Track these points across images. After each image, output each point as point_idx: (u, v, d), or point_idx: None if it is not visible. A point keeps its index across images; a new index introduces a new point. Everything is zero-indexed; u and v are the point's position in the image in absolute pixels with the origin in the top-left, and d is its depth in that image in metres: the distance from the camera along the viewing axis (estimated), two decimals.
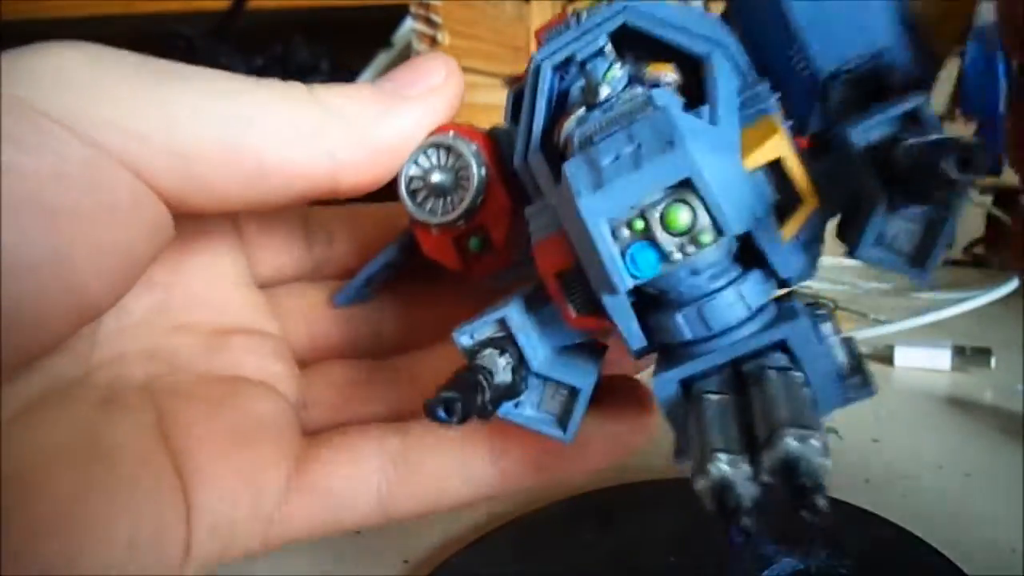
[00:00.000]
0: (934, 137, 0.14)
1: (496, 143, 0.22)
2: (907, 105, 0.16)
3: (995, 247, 0.64)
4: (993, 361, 0.41)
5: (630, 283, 0.16)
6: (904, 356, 0.42)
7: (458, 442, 0.23)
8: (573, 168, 0.16)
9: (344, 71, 0.71)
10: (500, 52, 0.63)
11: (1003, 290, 0.48)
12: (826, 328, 0.18)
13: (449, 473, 0.23)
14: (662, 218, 0.15)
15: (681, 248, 0.15)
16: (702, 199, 0.15)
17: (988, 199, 0.66)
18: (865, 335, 0.44)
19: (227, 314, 0.25)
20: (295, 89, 0.20)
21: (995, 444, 0.33)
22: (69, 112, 0.17)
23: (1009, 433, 0.34)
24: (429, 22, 0.57)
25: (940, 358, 0.42)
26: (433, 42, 0.57)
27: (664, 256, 0.15)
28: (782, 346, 0.16)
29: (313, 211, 0.27)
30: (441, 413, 0.16)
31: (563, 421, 0.19)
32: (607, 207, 0.15)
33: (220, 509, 0.21)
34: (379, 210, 0.24)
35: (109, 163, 0.18)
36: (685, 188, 0.15)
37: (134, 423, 0.20)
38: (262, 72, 0.78)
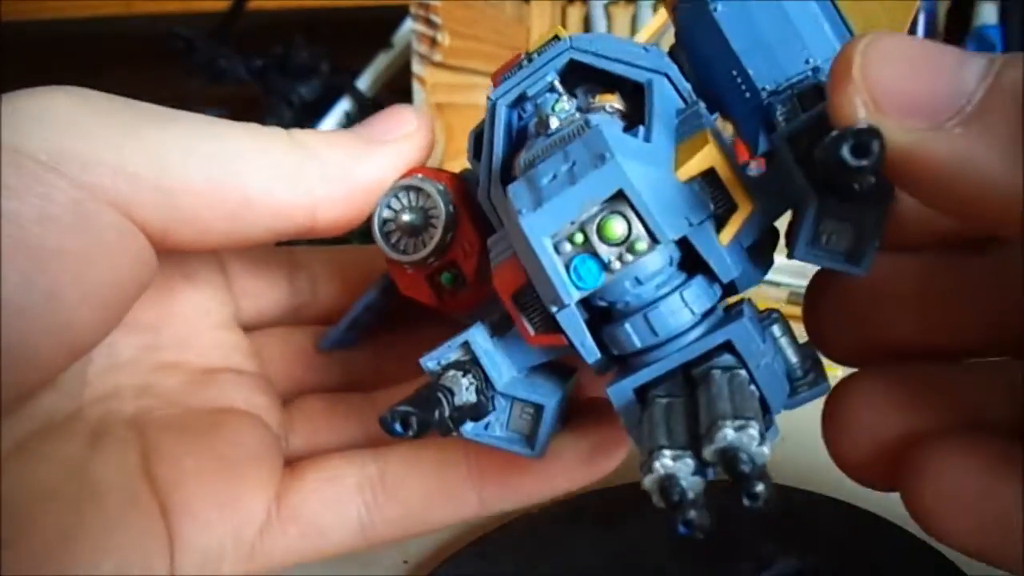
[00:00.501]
0: (836, 132, 0.14)
1: (464, 183, 0.23)
2: (821, 106, 0.17)
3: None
4: None
5: (576, 295, 0.17)
6: None
7: (437, 468, 0.24)
8: (515, 190, 0.17)
9: (344, 71, 0.71)
10: (500, 52, 0.63)
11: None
12: (775, 330, 0.19)
13: (429, 499, 0.24)
14: (599, 230, 0.16)
15: (620, 257, 0.16)
16: (635, 209, 0.16)
17: None
18: None
19: (212, 355, 0.25)
20: (276, 133, 0.21)
21: None
22: (58, 154, 0.18)
23: None
24: (429, 22, 0.57)
25: None
26: (433, 42, 0.57)
27: (604, 266, 0.16)
28: (730, 348, 0.17)
29: (296, 253, 0.27)
30: (397, 427, 0.17)
31: (531, 439, 0.20)
32: (547, 223, 0.16)
33: (204, 542, 0.21)
34: (360, 252, 0.25)
35: (97, 203, 0.18)
36: (619, 200, 0.16)
37: (121, 460, 0.21)
38: (262, 72, 0.78)
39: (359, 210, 0.22)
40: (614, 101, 0.20)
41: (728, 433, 0.14)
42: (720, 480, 0.15)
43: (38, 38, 0.85)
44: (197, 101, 0.75)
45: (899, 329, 0.20)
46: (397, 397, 0.26)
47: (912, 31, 0.70)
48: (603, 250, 0.16)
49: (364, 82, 0.69)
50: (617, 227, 0.16)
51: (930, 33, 0.70)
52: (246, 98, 0.73)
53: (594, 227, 0.16)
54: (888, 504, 0.27)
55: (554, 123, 0.19)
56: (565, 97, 0.19)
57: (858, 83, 0.15)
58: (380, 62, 0.69)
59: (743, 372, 0.17)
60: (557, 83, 0.20)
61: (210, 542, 0.22)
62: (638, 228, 0.16)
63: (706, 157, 0.17)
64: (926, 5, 0.70)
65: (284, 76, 0.71)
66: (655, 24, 0.23)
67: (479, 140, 0.21)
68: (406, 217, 0.22)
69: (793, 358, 0.19)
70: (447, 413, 0.18)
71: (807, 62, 0.19)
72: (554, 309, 0.18)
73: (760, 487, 0.13)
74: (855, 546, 0.25)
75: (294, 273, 0.27)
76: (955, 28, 0.68)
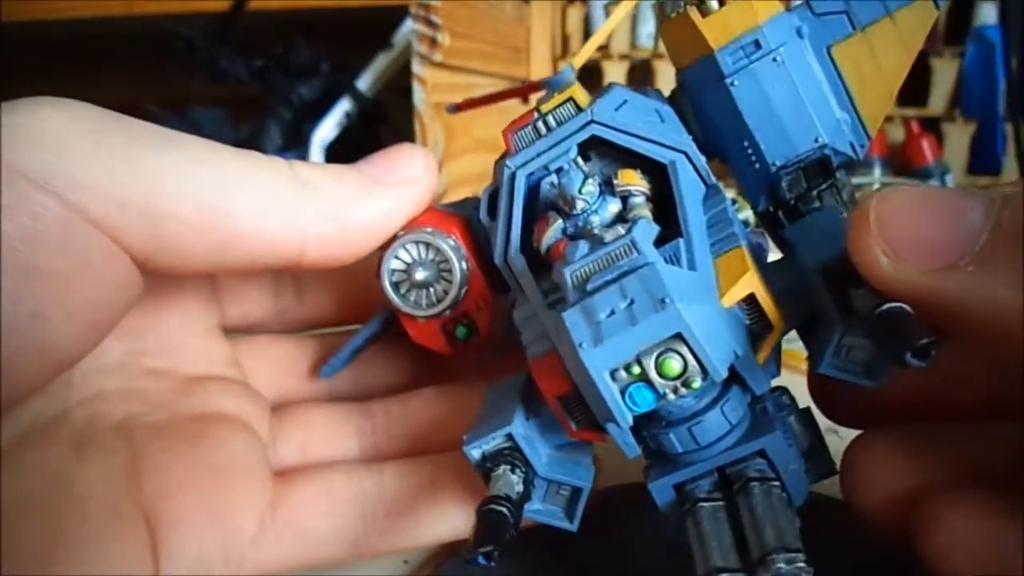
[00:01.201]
0: (888, 307, 0.17)
1: (471, 230, 0.23)
2: (842, 222, 0.19)
3: None
4: None
5: (631, 419, 0.18)
6: None
7: (433, 484, 0.24)
8: (573, 320, 0.17)
9: (344, 71, 0.71)
10: (500, 52, 0.63)
11: None
12: (792, 419, 0.21)
13: (424, 515, 0.24)
14: (657, 366, 0.17)
15: (674, 390, 0.17)
16: (692, 350, 0.17)
17: None
18: None
19: (198, 362, 0.25)
20: (277, 164, 0.21)
21: None
22: (48, 172, 0.17)
23: None
24: (429, 23, 0.57)
25: None
26: (433, 43, 0.57)
27: (659, 395, 0.17)
28: (760, 451, 0.19)
29: None
30: (482, 561, 0.18)
31: (569, 513, 0.21)
32: (608, 359, 0.17)
33: (192, 551, 0.21)
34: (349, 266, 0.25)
35: (83, 225, 0.18)
36: (676, 339, 0.17)
37: (106, 469, 0.21)
38: (262, 72, 0.78)
39: (353, 250, 0.22)
40: (637, 182, 0.20)
41: (781, 567, 0.16)
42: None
43: (38, 38, 0.85)
44: (197, 101, 0.75)
45: (900, 395, 0.21)
46: (394, 408, 0.27)
47: None
48: (659, 383, 0.17)
49: (364, 82, 0.69)
50: (675, 365, 0.17)
51: (930, 33, 0.70)
52: (246, 98, 0.73)
53: (651, 361, 0.17)
54: None
55: (580, 205, 0.20)
56: (591, 180, 0.20)
57: (876, 235, 0.17)
58: (380, 62, 0.69)
59: (777, 485, 0.19)
60: (579, 160, 0.20)
61: (198, 551, 0.21)
62: (693, 365, 0.17)
63: (748, 284, 0.18)
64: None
65: (284, 76, 0.71)
66: (612, 21, 0.23)
67: (493, 200, 0.22)
68: (419, 275, 0.22)
69: (804, 443, 0.21)
70: (513, 524, 0.19)
71: (816, 140, 0.20)
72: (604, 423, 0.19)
73: None
74: (855, 546, 0.25)
75: (280, 279, 0.27)
76: (955, 28, 0.68)
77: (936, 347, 0.16)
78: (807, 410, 0.22)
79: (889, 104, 0.21)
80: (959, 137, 0.68)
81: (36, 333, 0.18)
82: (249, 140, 0.73)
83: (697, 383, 0.17)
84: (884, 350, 0.17)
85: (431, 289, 0.22)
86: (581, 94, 0.21)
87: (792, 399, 0.21)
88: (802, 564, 0.16)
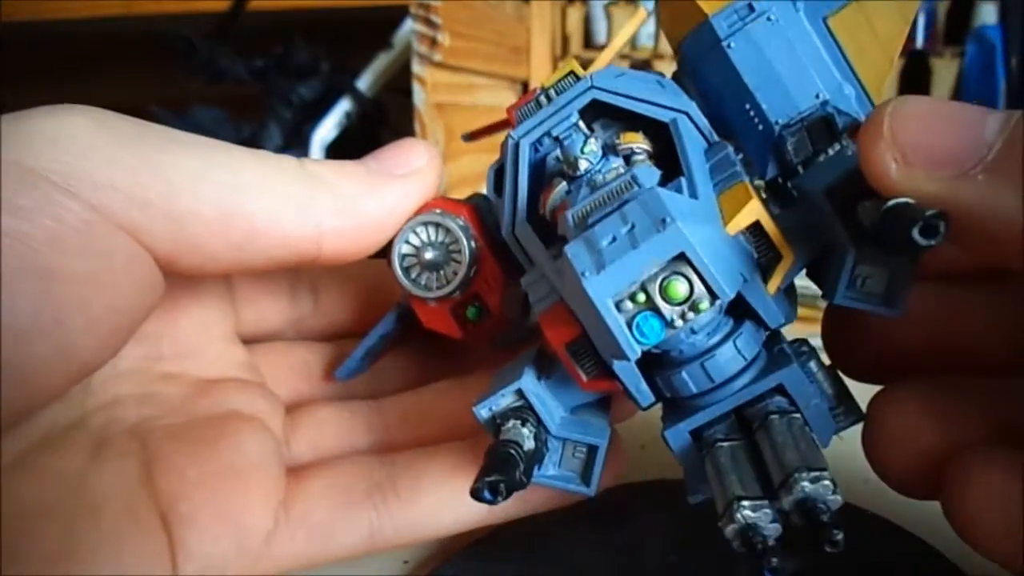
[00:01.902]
0: (894, 202, 0.16)
1: (479, 212, 0.23)
2: (849, 158, 0.18)
3: None
4: None
5: (639, 351, 0.17)
6: None
7: (445, 475, 0.24)
8: (574, 250, 0.17)
9: (344, 71, 0.71)
10: (500, 52, 0.63)
11: None
12: (812, 365, 0.20)
13: (438, 505, 0.24)
14: (662, 290, 0.16)
15: (682, 315, 0.17)
16: (697, 271, 0.16)
17: None
18: None
19: (214, 367, 0.25)
20: (287, 161, 0.21)
21: None
22: (71, 175, 0.18)
23: None
24: (429, 23, 0.57)
25: None
26: (433, 43, 0.57)
27: (667, 323, 0.17)
28: (780, 389, 0.18)
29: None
30: (487, 495, 0.17)
31: (585, 477, 0.21)
32: (611, 286, 0.16)
33: (208, 552, 0.21)
34: (363, 266, 0.25)
35: (107, 227, 0.18)
36: (680, 261, 0.16)
37: (122, 472, 0.21)
38: (262, 72, 0.78)
39: (365, 243, 0.22)
40: (640, 141, 0.20)
41: (806, 486, 0.15)
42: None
43: (38, 38, 0.85)
44: (197, 101, 0.75)
45: (915, 346, 0.21)
46: (401, 405, 0.27)
47: (911, 34, 0.70)
48: (666, 309, 0.17)
49: (364, 82, 0.69)
50: (680, 288, 0.17)
51: (930, 33, 0.70)
52: (246, 98, 0.73)
53: (656, 287, 0.17)
54: (888, 504, 0.27)
55: (583, 165, 0.19)
56: (592, 139, 0.20)
57: (888, 141, 0.17)
58: (380, 62, 0.69)
59: (798, 416, 0.18)
60: (581, 124, 0.20)
61: (215, 550, 0.22)
62: (700, 288, 0.17)
63: (752, 212, 0.18)
64: (926, 5, 0.70)
65: (284, 76, 0.71)
66: (630, 28, 0.24)
67: (499, 175, 0.22)
68: (428, 255, 0.22)
69: (829, 390, 0.20)
70: (522, 468, 0.18)
71: (817, 96, 0.20)
72: (614, 361, 0.18)
73: (840, 535, 0.15)
74: (855, 546, 0.25)
75: (296, 286, 0.27)
76: (955, 28, 0.68)
77: (943, 220, 0.15)
78: (832, 365, 0.21)
79: (888, 70, 0.21)
80: None
81: (58, 338, 0.17)
82: (249, 140, 0.73)
83: (705, 305, 0.17)
84: (892, 238, 0.16)
85: (441, 272, 0.22)
86: (580, 68, 0.21)
87: (814, 349, 0.20)
88: (828, 483, 0.15)
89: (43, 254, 0.17)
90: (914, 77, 0.69)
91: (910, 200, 0.16)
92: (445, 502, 0.24)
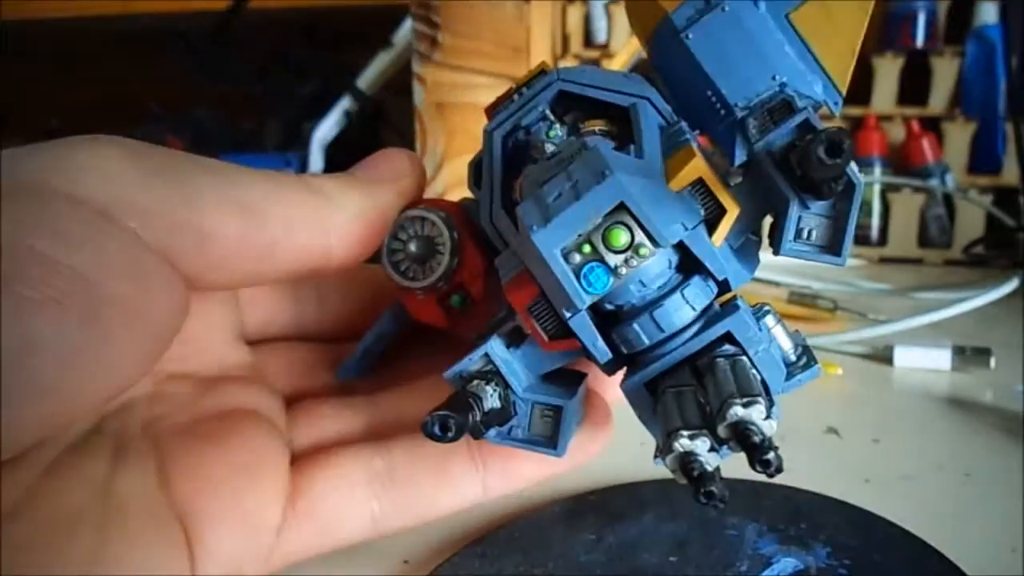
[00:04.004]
0: (810, 136, 0.17)
1: (465, 210, 0.24)
2: (796, 118, 0.20)
3: (995, 247, 0.64)
4: (993, 361, 0.40)
5: (588, 299, 0.18)
6: (904, 356, 0.42)
7: (441, 458, 0.25)
8: (525, 208, 0.18)
9: (344, 71, 0.71)
10: (500, 52, 0.63)
11: (1003, 290, 0.48)
12: (769, 320, 0.20)
13: (436, 488, 0.25)
14: (604, 239, 0.18)
15: (626, 262, 0.18)
16: (636, 219, 0.18)
17: (988, 199, 0.66)
18: (865, 335, 0.44)
19: (219, 366, 0.26)
20: (293, 180, 0.23)
21: (995, 444, 0.33)
22: (110, 202, 0.18)
23: (1009, 433, 0.34)
24: (429, 22, 0.57)
25: (940, 358, 0.42)
26: (433, 42, 0.57)
27: (612, 271, 0.18)
28: (729, 339, 0.19)
29: None
30: (436, 430, 0.18)
31: (552, 439, 0.21)
32: (557, 236, 0.18)
33: (225, 549, 0.22)
34: (365, 270, 0.26)
35: (146, 252, 0.19)
36: (621, 211, 0.18)
37: (141, 475, 0.21)
38: (262, 72, 0.78)
39: (368, 247, 0.23)
40: (602, 124, 0.21)
41: (738, 410, 0.16)
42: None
43: (38, 38, 0.85)
44: (197, 101, 0.75)
45: None
46: (399, 398, 0.27)
47: (912, 33, 0.70)
48: (610, 257, 0.18)
49: (364, 82, 0.69)
50: (621, 236, 0.18)
51: (930, 33, 0.70)
52: (246, 98, 0.73)
53: (599, 237, 0.18)
54: (888, 504, 0.27)
55: (549, 148, 0.21)
56: (557, 124, 0.21)
57: None
58: (380, 62, 0.69)
59: (744, 358, 0.19)
60: (548, 112, 0.22)
61: (231, 548, 0.22)
62: (640, 235, 0.18)
63: (694, 168, 0.19)
64: (926, 5, 0.70)
65: (284, 76, 0.71)
66: (629, 50, 0.25)
67: (478, 169, 0.23)
68: (413, 247, 0.23)
69: (786, 344, 0.20)
70: (478, 417, 0.19)
71: (774, 78, 0.21)
72: (567, 315, 0.19)
73: (771, 455, 0.15)
74: (855, 546, 0.25)
75: (300, 288, 0.28)
76: (955, 28, 0.69)
77: (845, 136, 0.16)
78: (796, 331, 0.21)
79: (851, 59, 0.21)
80: (959, 137, 0.67)
81: (104, 359, 0.18)
82: (249, 140, 0.73)
83: (646, 250, 0.18)
84: (809, 170, 0.17)
85: (427, 263, 0.24)
86: (549, 66, 0.23)
87: (776, 313, 0.21)
88: (761, 408, 0.16)
89: (90, 279, 0.18)
90: (914, 77, 0.69)
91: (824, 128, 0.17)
92: (442, 486, 0.25)
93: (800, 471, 0.28)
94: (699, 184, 0.19)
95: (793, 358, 0.20)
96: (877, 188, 0.68)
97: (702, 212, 0.19)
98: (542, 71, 0.22)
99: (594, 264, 0.18)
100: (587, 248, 0.18)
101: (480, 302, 0.24)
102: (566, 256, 0.18)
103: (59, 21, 0.81)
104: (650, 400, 0.20)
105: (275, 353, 0.28)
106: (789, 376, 0.20)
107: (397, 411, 0.27)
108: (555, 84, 0.22)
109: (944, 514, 0.28)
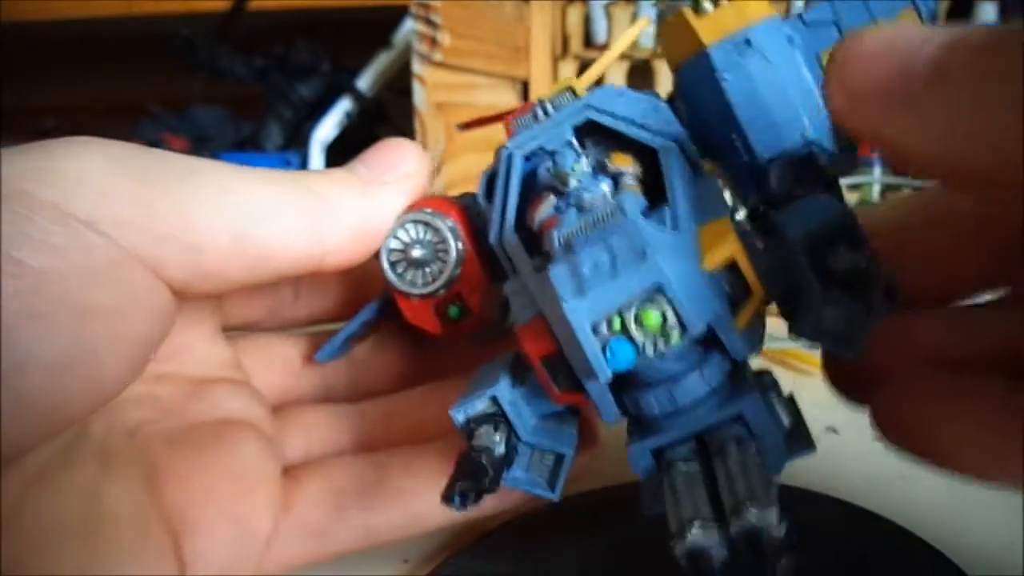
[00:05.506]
0: (864, 263, 0.17)
1: (467, 213, 0.24)
2: (834, 218, 0.19)
3: None
4: None
5: (610, 374, 0.18)
6: None
7: (434, 474, 0.24)
8: (557, 273, 0.18)
9: (344, 71, 0.71)
10: (500, 52, 0.63)
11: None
12: (773, 395, 0.21)
13: (429, 503, 0.24)
14: (636, 318, 0.18)
15: (654, 344, 0.18)
16: (671, 303, 0.17)
17: None
18: None
19: (204, 366, 0.26)
20: (289, 180, 0.22)
21: None
22: (95, 213, 0.18)
23: None
24: (429, 22, 0.57)
25: None
26: (433, 42, 0.57)
27: (639, 350, 0.18)
28: (738, 417, 0.19)
29: None
30: (457, 501, 0.19)
31: (551, 482, 0.22)
32: (589, 311, 0.18)
33: (214, 559, 0.22)
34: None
35: (131, 261, 0.19)
36: (656, 292, 0.17)
37: (130, 484, 0.21)
38: (262, 72, 0.78)
39: (363, 252, 0.23)
40: (629, 164, 0.21)
41: (753, 515, 0.16)
42: None
43: (38, 38, 0.85)
44: (197, 101, 0.75)
45: (907, 366, 0.21)
46: (384, 408, 0.27)
47: None
48: (639, 337, 0.18)
49: (364, 82, 0.69)
50: (654, 318, 0.18)
51: None
52: (246, 98, 0.73)
53: (631, 315, 0.18)
54: (888, 503, 0.27)
55: (573, 182, 0.21)
56: (584, 159, 0.21)
57: (838, 82, 0.17)
58: (380, 62, 0.69)
59: (753, 446, 0.19)
60: (574, 141, 0.21)
61: (220, 559, 0.22)
62: (672, 319, 0.18)
63: (729, 249, 0.19)
64: (926, 5, 0.70)
65: (284, 76, 0.71)
66: (631, 34, 0.25)
67: (491, 182, 0.22)
68: (416, 252, 0.23)
69: (785, 421, 0.21)
70: (491, 475, 0.19)
71: (803, 135, 0.21)
72: (585, 379, 0.19)
73: (783, 562, 0.16)
74: (855, 546, 0.25)
75: (279, 282, 0.27)
76: None
77: (902, 290, 0.16)
78: (791, 396, 0.22)
79: None
80: None
81: (90, 370, 0.18)
82: (249, 140, 0.73)
83: (676, 337, 0.18)
84: (857, 293, 0.17)
85: (427, 269, 0.23)
86: (578, 84, 0.22)
87: (775, 382, 0.21)
88: (774, 517, 0.16)
89: (75, 290, 0.17)
90: None
91: (874, 260, 0.17)
92: (434, 500, 0.24)
93: (799, 470, 0.28)
94: (731, 264, 0.19)
95: (789, 432, 0.20)
96: (877, 188, 0.68)
97: (728, 290, 0.19)
98: (570, 88, 0.22)
99: (621, 340, 0.18)
100: (617, 323, 0.18)
101: (477, 314, 0.23)
102: (594, 327, 0.18)
103: (59, 22, 0.81)
104: (652, 462, 0.20)
105: (255, 348, 0.27)
106: (788, 454, 0.20)
107: (384, 422, 0.27)
108: (585, 111, 0.21)
109: (944, 514, 0.28)
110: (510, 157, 0.21)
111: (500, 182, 0.22)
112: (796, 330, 0.19)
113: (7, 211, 0.17)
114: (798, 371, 0.38)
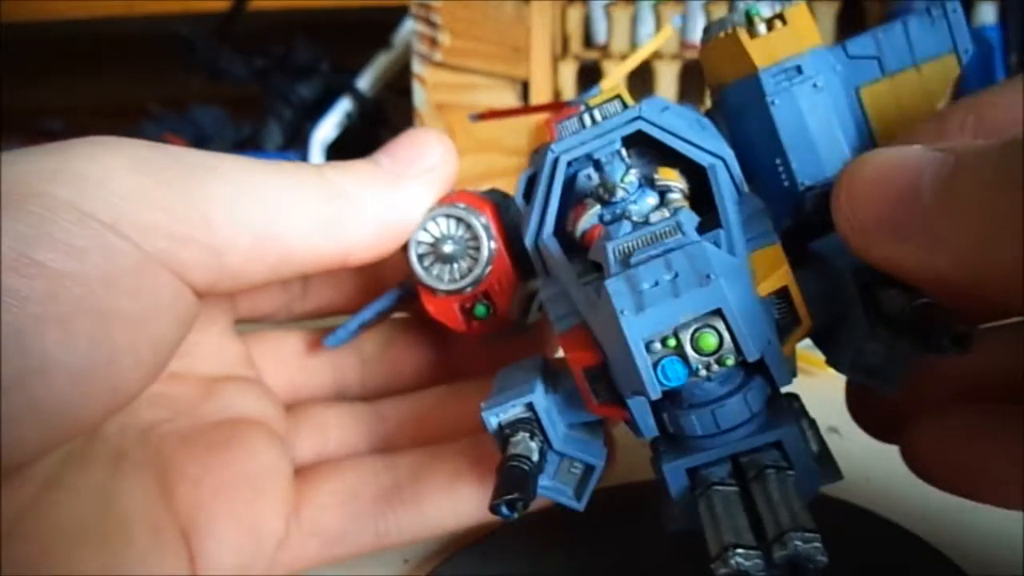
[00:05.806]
0: (923, 301, 0.17)
1: (497, 208, 0.23)
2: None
3: None
4: None
5: (660, 392, 0.18)
6: None
7: (447, 477, 0.24)
8: (615, 287, 0.18)
9: (344, 71, 0.71)
10: (500, 52, 0.63)
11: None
12: (804, 422, 0.20)
13: (441, 506, 0.24)
14: (693, 340, 0.18)
15: (707, 367, 0.18)
16: (729, 328, 0.17)
17: None
18: None
19: (216, 363, 0.25)
20: (311, 175, 0.21)
21: None
22: (117, 216, 0.18)
23: None
24: (429, 22, 0.57)
25: None
26: (433, 42, 0.57)
27: (691, 371, 0.18)
28: (775, 442, 0.19)
29: None
30: (505, 511, 0.18)
31: (578, 492, 0.21)
32: (647, 328, 0.17)
33: (227, 561, 0.22)
34: None
35: (154, 265, 0.18)
36: (715, 315, 0.17)
37: (142, 485, 0.21)
38: (262, 72, 0.78)
39: (387, 247, 0.22)
40: (677, 179, 0.21)
41: (798, 545, 0.16)
42: None
43: (38, 38, 0.85)
44: (197, 101, 0.75)
45: (936, 404, 0.22)
46: (400, 409, 0.27)
47: None
48: (693, 358, 0.18)
49: (364, 82, 0.69)
50: (711, 340, 0.18)
51: None
52: (246, 98, 0.73)
53: (688, 335, 0.18)
54: (888, 503, 0.27)
55: (620, 193, 0.20)
56: (633, 170, 0.21)
57: (844, 208, 0.17)
58: (380, 62, 0.69)
59: (790, 473, 0.19)
60: (623, 151, 0.21)
61: (233, 560, 0.22)
62: (728, 343, 0.18)
63: (782, 277, 0.19)
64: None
65: (284, 76, 0.71)
66: (655, 44, 0.25)
67: (531, 183, 0.22)
68: (447, 248, 0.22)
69: (814, 448, 0.21)
70: (533, 484, 0.19)
71: (844, 164, 0.21)
72: (630, 394, 0.19)
73: None
74: (855, 546, 0.25)
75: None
76: None
77: (973, 335, 0.16)
78: (813, 420, 0.22)
79: None
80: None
81: (110, 375, 0.18)
82: (249, 140, 0.73)
83: (731, 361, 0.18)
84: (918, 335, 0.17)
85: (455, 265, 0.22)
86: (627, 94, 0.22)
87: (803, 406, 0.21)
88: (819, 545, 0.17)
89: (97, 294, 0.17)
90: None
91: (932, 301, 0.17)
92: (447, 504, 0.24)
93: None
94: (782, 290, 0.19)
95: (817, 459, 0.21)
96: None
97: (776, 316, 0.19)
98: (619, 97, 0.22)
99: (675, 359, 0.18)
100: (672, 342, 0.18)
101: (504, 314, 0.23)
102: (648, 345, 0.18)
103: (59, 22, 0.81)
104: (687, 482, 0.20)
105: (265, 343, 0.27)
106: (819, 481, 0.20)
107: (399, 424, 0.27)
108: (636, 122, 0.21)
109: (944, 514, 0.28)
110: (556, 161, 0.21)
111: (542, 185, 0.21)
112: (832, 360, 0.20)
113: (28, 212, 0.16)
114: (799, 371, 0.38)
